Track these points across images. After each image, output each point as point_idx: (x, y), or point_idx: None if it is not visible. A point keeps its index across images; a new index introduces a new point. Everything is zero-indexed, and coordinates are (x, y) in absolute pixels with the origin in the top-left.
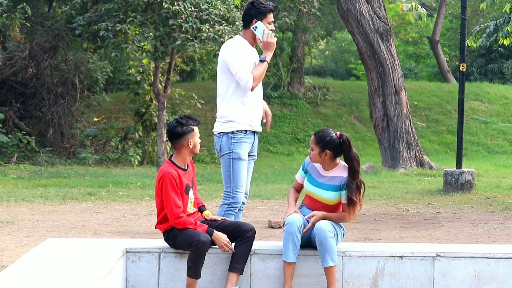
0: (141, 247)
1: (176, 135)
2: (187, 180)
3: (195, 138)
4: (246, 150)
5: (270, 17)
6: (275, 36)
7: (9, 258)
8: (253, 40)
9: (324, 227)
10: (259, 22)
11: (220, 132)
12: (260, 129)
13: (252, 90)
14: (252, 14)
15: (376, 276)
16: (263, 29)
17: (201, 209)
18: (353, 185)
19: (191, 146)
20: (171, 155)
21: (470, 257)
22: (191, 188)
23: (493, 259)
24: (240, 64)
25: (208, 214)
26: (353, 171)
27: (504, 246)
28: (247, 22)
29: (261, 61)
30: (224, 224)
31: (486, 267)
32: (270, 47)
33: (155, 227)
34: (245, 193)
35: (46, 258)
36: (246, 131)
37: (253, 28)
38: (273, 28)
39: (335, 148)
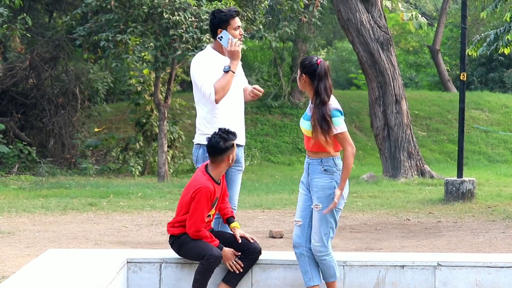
0: (142, 257)
1: (219, 150)
2: (218, 193)
3: (234, 153)
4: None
5: (235, 22)
6: (241, 43)
7: (10, 269)
8: (224, 50)
9: (316, 247)
10: (224, 31)
11: (198, 144)
12: (241, 142)
13: (216, 102)
14: (215, 24)
15: (377, 285)
16: (228, 37)
17: (229, 220)
18: (316, 113)
19: (230, 161)
20: (206, 165)
21: (471, 266)
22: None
23: (494, 268)
24: (203, 77)
25: (236, 226)
26: (319, 98)
27: (505, 255)
28: (214, 33)
29: (225, 71)
30: (233, 239)
31: (487, 276)
32: (235, 55)
33: (167, 228)
34: (233, 206)
35: (47, 269)
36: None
37: (218, 38)
38: (241, 32)
39: (311, 73)
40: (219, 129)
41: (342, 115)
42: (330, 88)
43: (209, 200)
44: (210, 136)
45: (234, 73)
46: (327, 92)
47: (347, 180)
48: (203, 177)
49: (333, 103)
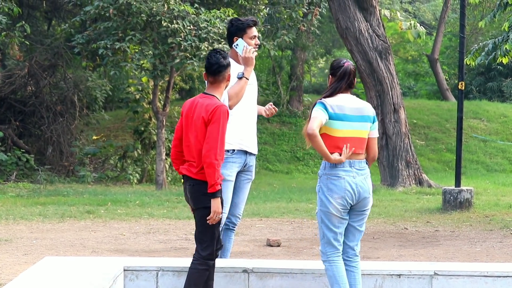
0: (139, 265)
1: (221, 67)
2: None
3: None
4: (233, 171)
5: (251, 32)
6: (255, 51)
7: (7, 276)
8: (239, 59)
9: (321, 255)
10: (240, 39)
11: None
12: (253, 151)
13: (230, 108)
14: (232, 32)
15: None
16: (244, 45)
17: None
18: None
19: (229, 80)
20: (204, 92)
21: (468, 276)
22: None
23: (491, 278)
24: None
25: None
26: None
27: (502, 265)
28: (230, 41)
29: (238, 78)
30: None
31: (484, 286)
32: (249, 62)
33: (191, 172)
34: (237, 214)
35: (44, 276)
36: (233, 150)
37: (234, 46)
38: (257, 42)
39: (333, 74)
40: (213, 49)
41: (321, 105)
42: (340, 89)
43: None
44: (207, 56)
45: (247, 79)
46: (334, 90)
47: (335, 183)
48: (212, 99)
49: (327, 99)
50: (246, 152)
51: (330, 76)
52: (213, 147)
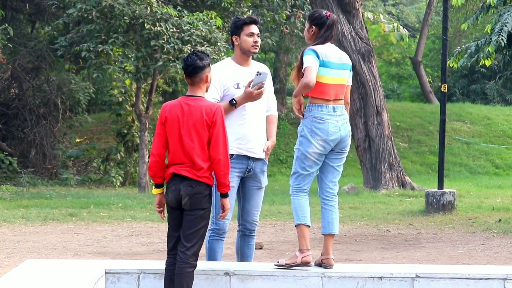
0: (121, 268)
1: (197, 68)
2: None
3: (210, 74)
4: (232, 176)
5: (248, 29)
6: (262, 92)
7: None
8: (242, 59)
9: None
10: (264, 73)
11: None
12: (257, 155)
13: None
14: (232, 32)
15: None
16: (261, 81)
17: None
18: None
19: (209, 82)
20: (186, 95)
21: (450, 278)
22: None
23: (473, 280)
24: (209, 90)
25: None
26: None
27: (483, 267)
28: (232, 42)
29: (230, 103)
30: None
31: None
32: (251, 98)
33: (201, 176)
34: (251, 220)
35: (25, 279)
36: (231, 155)
37: (258, 73)
38: (256, 40)
39: (321, 24)
40: (192, 51)
41: (313, 53)
42: (330, 38)
43: None
44: (184, 58)
45: (235, 108)
46: (324, 39)
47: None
48: (203, 101)
49: (316, 47)
50: (248, 157)
51: (314, 27)
52: (224, 147)
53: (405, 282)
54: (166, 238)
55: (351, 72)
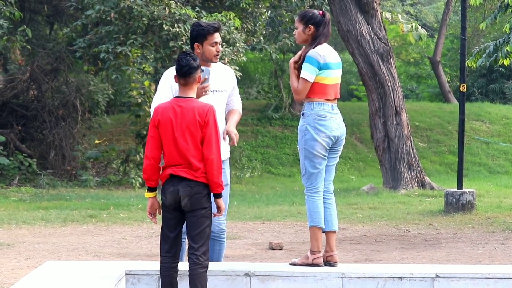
0: (141, 269)
1: (192, 69)
2: None
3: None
4: None
5: (212, 38)
6: (207, 94)
7: (9, 281)
8: (203, 61)
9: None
10: (206, 68)
11: None
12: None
13: None
14: (193, 37)
15: None
16: (205, 77)
17: None
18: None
19: (199, 82)
20: (177, 96)
21: (470, 278)
22: None
23: (493, 280)
24: (157, 94)
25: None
26: (314, 43)
27: (504, 266)
28: (191, 45)
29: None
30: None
31: None
32: (198, 96)
33: (193, 175)
34: (218, 222)
35: (45, 281)
36: None
37: (201, 69)
38: (219, 49)
39: (317, 23)
40: (183, 51)
41: (315, 63)
42: (329, 35)
43: None
44: (177, 59)
45: None
46: (325, 37)
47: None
48: (194, 102)
49: (318, 49)
50: None
51: (312, 26)
52: (217, 147)
53: (425, 282)
54: (185, 239)
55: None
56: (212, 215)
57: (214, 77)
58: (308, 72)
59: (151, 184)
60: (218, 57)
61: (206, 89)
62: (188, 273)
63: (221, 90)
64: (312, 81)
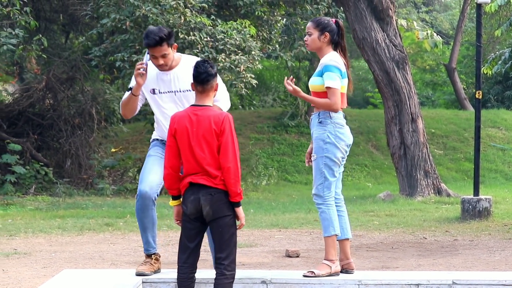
0: (157, 277)
1: (210, 76)
2: None
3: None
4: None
5: (153, 51)
6: (143, 73)
7: None
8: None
9: (313, 196)
10: (146, 55)
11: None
12: None
13: (124, 117)
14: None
15: None
16: (144, 61)
17: None
18: None
19: (217, 90)
20: (192, 105)
21: (487, 284)
22: None
23: (510, 286)
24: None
25: None
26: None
27: None
28: None
29: (128, 90)
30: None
31: None
32: (136, 78)
33: (210, 181)
34: None
35: None
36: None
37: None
38: (161, 62)
39: (333, 31)
40: (201, 59)
41: (339, 72)
42: (342, 46)
43: None
44: (195, 66)
45: (134, 95)
46: (341, 45)
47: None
48: (210, 110)
49: (335, 58)
50: None
51: (327, 33)
52: (233, 155)
53: None
54: (202, 247)
55: None
56: (237, 224)
57: (178, 78)
58: (336, 81)
59: (173, 193)
60: (164, 69)
61: (137, 70)
62: (214, 282)
63: (182, 90)
64: (340, 89)
